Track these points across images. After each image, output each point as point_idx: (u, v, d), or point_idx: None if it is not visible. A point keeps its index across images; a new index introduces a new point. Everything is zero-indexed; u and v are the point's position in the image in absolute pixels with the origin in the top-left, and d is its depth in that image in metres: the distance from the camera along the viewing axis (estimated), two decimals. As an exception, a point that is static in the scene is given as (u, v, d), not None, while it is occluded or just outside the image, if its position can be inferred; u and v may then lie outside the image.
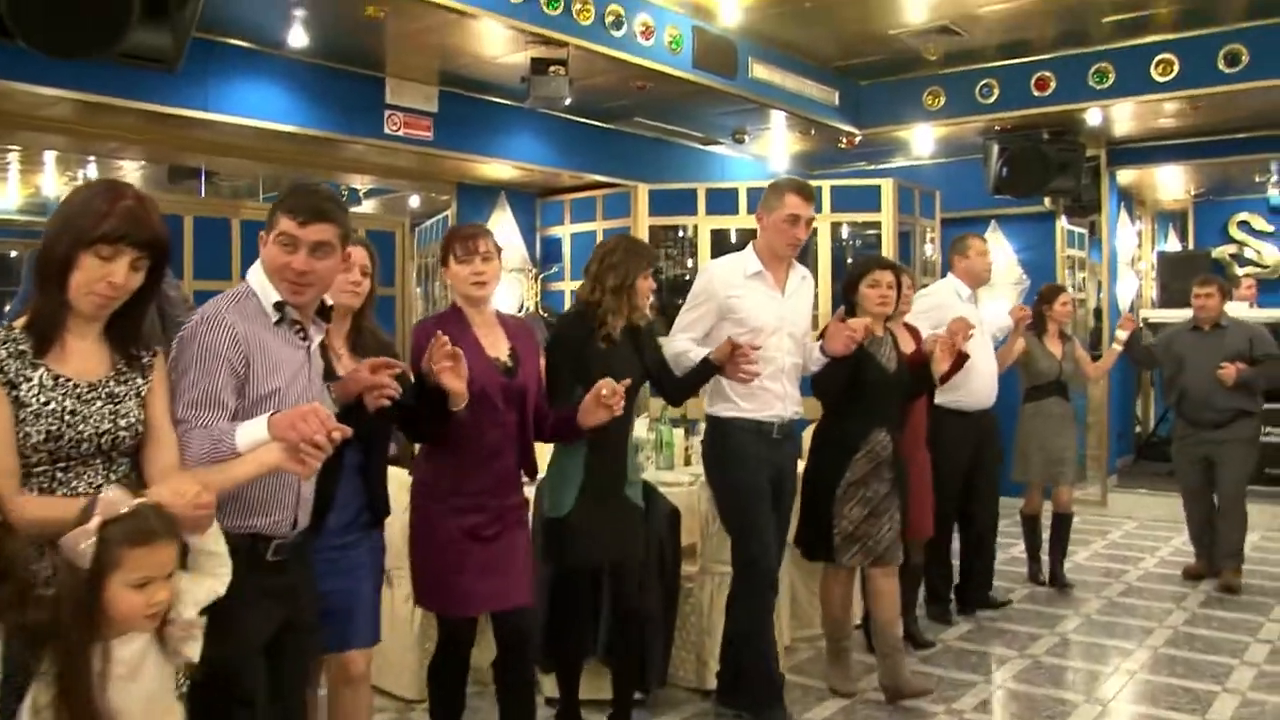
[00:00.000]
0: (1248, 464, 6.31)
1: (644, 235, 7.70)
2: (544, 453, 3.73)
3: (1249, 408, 6.27)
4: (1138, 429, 10.70)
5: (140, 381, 2.30)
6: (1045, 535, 6.52)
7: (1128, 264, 10.06)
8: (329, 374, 2.89)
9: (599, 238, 7.90)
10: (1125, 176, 9.37)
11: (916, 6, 6.57)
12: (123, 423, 2.24)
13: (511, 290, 7.91)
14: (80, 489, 2.19)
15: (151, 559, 2.01)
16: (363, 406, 2.84)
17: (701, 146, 8.87)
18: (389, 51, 6.26)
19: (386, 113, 6.61)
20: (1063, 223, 9.21)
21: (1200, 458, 6.41)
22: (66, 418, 2.15)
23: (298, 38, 5.75)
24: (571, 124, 7.74)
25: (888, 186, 7.64)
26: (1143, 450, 10.18)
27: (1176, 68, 7.05)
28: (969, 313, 5.37)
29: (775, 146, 8.84)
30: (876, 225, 7.70)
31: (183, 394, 2.36)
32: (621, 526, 3.86)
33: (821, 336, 4.36)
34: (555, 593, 3.99)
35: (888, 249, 7.58)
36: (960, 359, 4.55)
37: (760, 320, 4.15)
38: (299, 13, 5.51)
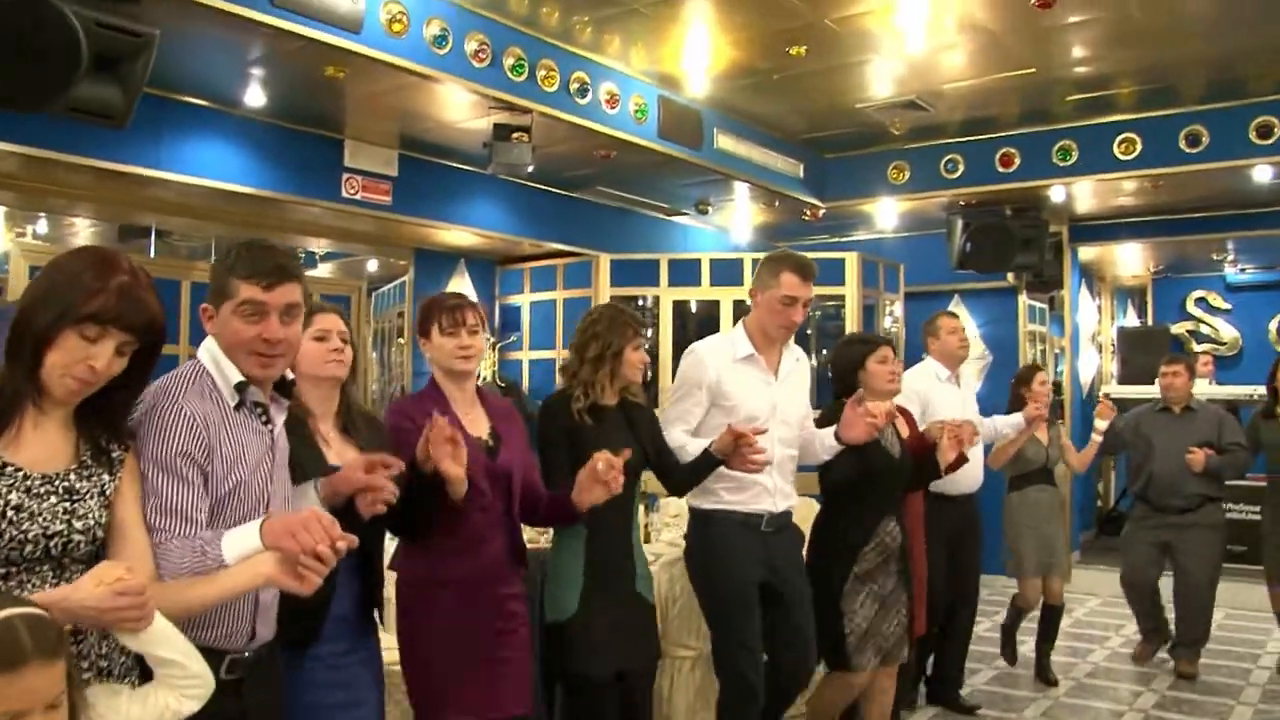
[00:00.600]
0: (1215, 552, 6.04)
1: (606, 304, 7.60)
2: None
3: (1215, 494, 6.04)
4: (1098, 504, 10.66)
5: (106, 478, 1.98)
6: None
7: (1088, 339, 10.08)
8: (320, 463, 2.61)
9: (559, 307, 7.82)
10: (1086, 253, 9.41)
11: (883, 81, 6.57)
12: (78, 524, 1.91)
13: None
14: None
15: (20, 688, 1.55)
16: (353, 509, 2.49)
17: (665, 217, 8.82)
18: (349, 113, 6.15)
19: (345, 175, 6.48)
20: (1024, 298, 9.21)
21: (1158, 542, 6.11)
22: (9, 514, 1.82)
23: (255, 97, 5.65)
24: (533, 191, 7.65)
25: (852, 260, 7.60)
26: (1104, 525, 10.13)
27: (1139, 147, 7.09)
28: (951, 394, 5.27)
29: (739, 218, 8.81)
30: (840, 299, 7.64)
31: (148, 497, 2.05)
32: (632, 628, 3.46)
33: (824, 423, 4.07)
34: (563, 705, 3.61)
35: (851, 323, 7.52)
36: (960, 458, 4.23)
37: (751, 408, 3.80)
38: (257, 71, 5.40)
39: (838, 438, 3.86)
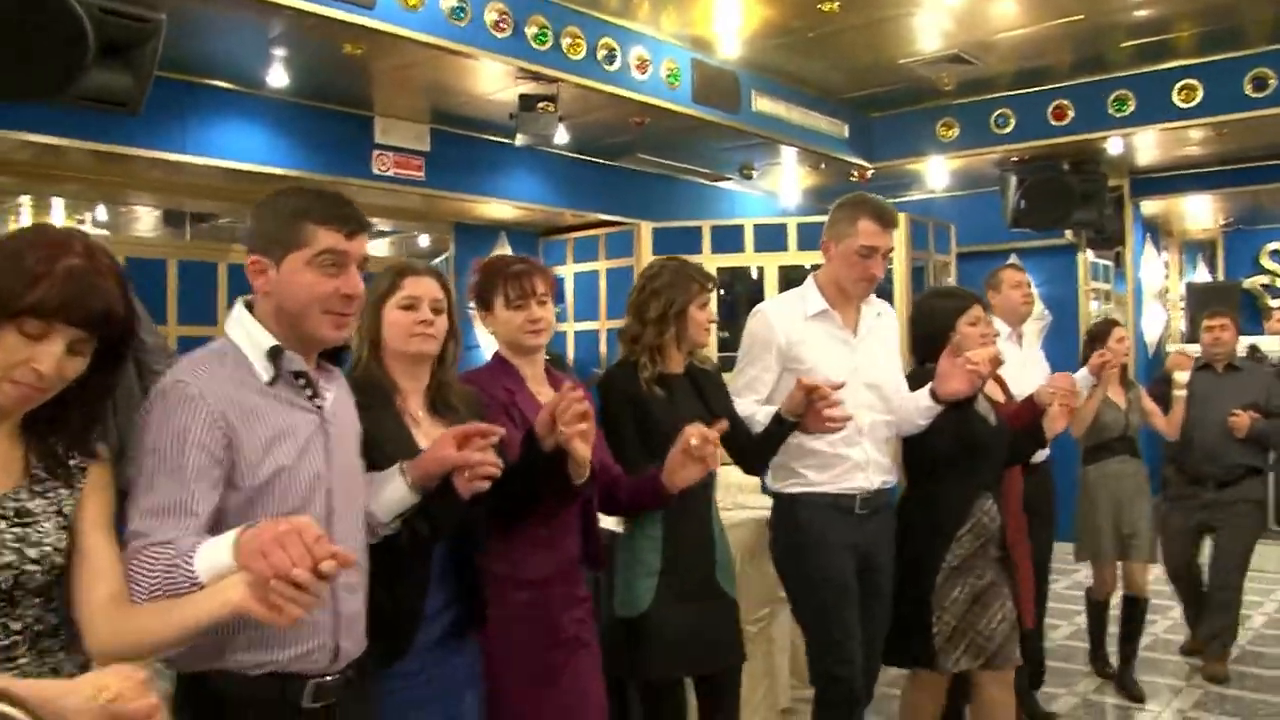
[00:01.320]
0: (1254, 532, 5.47)
1: (647, 275, 7.47)
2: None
3: (1260, 464, 5.43)
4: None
5: (65, 494, 1.68)
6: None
7: (1155, 296, 9.70)
8: (407, 443, 2.32)
9: (602, 278, 7.70)
10: (1150, 207, 9.04)
11: (926, 35, 6.30)
12: (32, 553, 1.61)
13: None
14: None
15: None
16: (451, 492, 2.14)
17: (709, 183, 8.62)
18: (376, 90, 6.08)
19: (375, 152, 6.41)
20: (1088, 256, 8.89)
21: (1196, 524, 5.52)
22: None
23: (278, 77, 5.58)
24: (573, 161, 7.52)
25: (899, 220, 7.34)
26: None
27: (1200, 93, 6.74)
28: (1012, 354, 4.63)
29: (785, 182, 8.59)
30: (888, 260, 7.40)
31: (139, 498, 1.76)
32: (715, 626, 3.08)
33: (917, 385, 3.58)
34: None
35: (900, 285, 7.29)
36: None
37: (828, 371, 3.22)
38: (279, 51, 5.34)
39: (934, 395, 3.31)
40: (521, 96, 5.57)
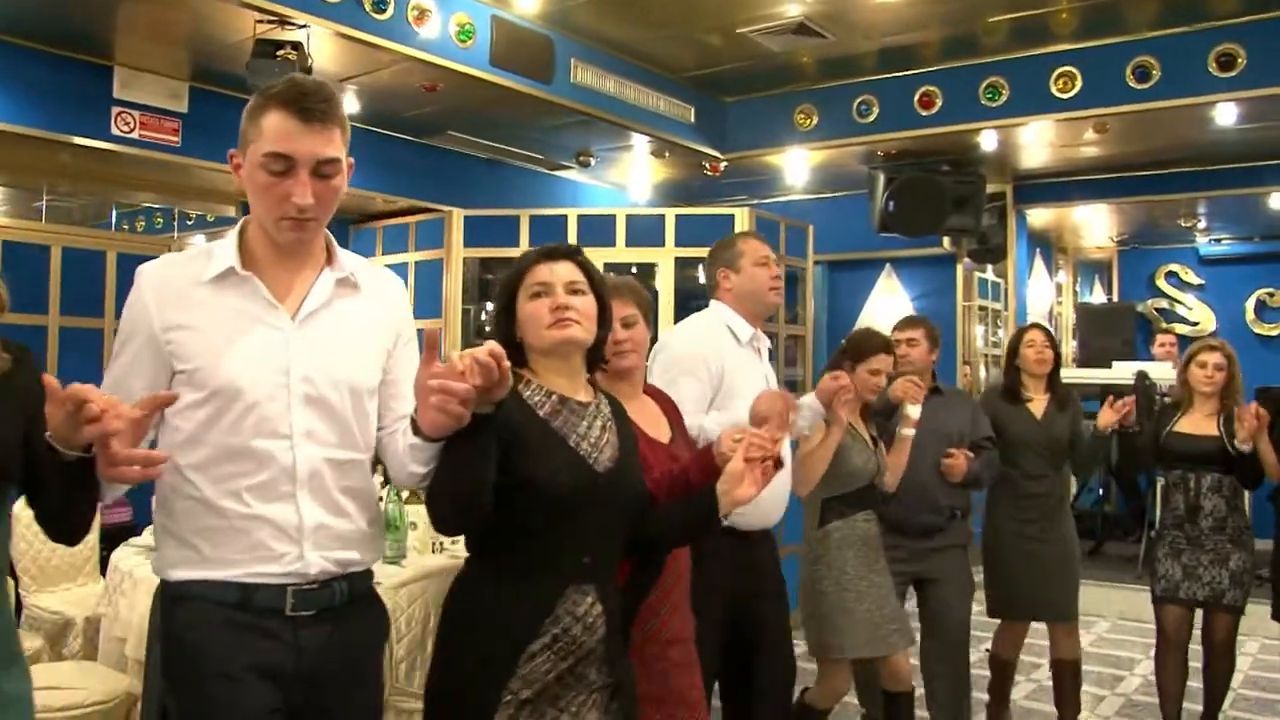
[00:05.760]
0: (972, 581, 4.23)
1: (457, 267, 6.55)
2: None
3: (966, 506, 4.21)
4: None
5: None
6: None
7: (1043, 317, 8.95)
8: None
9: (411, 270, 6.77)
10: (1038, 217, 8.31)
11: None
12: None
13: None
14: None
15: None
16: None
17: (546, 171, 7.68)
18: (118, 35, 5.11)
19: (115, 109, 5.42)
20: (967, 266, 8.13)
21: (902, 580, 3.99)
22: None
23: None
24: (381, 139, 6.55)
25: (743, 216, 6.48)
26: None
27: (1079, 83, 6.00)
28: (751, 367, 3.26)
29: (633, 174, 7.72)
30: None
31: None
32: None
33: None
34: None
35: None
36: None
37: (228, 372, 1.84)
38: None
39: (415, 427, 1.90)
40: (259, 41, 4.62)
